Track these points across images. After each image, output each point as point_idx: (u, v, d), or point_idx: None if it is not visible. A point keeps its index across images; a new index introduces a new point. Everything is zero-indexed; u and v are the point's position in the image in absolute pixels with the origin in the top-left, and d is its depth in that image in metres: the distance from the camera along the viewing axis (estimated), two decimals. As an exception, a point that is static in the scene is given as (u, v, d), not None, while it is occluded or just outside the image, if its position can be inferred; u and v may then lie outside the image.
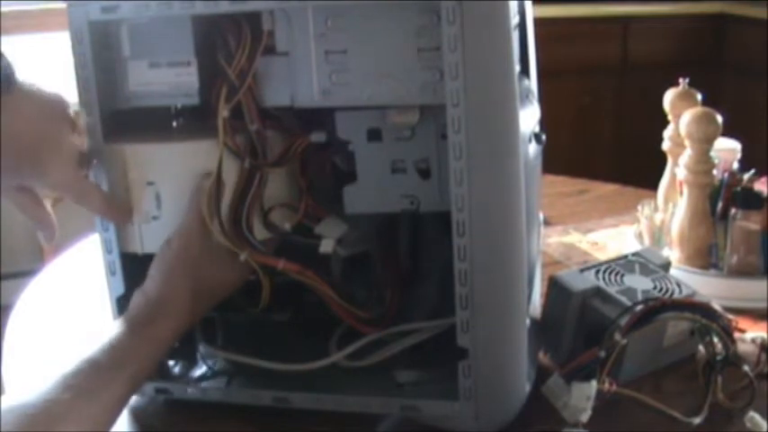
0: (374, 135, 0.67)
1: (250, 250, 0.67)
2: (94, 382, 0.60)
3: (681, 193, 0.97)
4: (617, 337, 0.67)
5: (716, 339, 0.71)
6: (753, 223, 0.90)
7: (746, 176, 0.93)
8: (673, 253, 0.96)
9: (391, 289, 0.71)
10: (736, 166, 1.01)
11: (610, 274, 0.76)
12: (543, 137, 0.73)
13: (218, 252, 0.68)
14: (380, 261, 0.73)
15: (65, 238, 0.91)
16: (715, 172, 0.94)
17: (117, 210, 0.69)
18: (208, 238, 0.67)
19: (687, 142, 0.93)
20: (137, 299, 0.68)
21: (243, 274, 0.70)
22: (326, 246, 0.69)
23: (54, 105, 0.66)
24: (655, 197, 1.08)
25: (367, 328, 0.70)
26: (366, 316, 0.70)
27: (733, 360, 0.71)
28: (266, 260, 0.68)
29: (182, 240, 0.68)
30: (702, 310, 0.71)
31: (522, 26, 0.73)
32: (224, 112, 0.65)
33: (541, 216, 0.92)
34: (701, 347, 0.73)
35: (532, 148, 0.70)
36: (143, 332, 0.65)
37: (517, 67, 0.64)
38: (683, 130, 0.93)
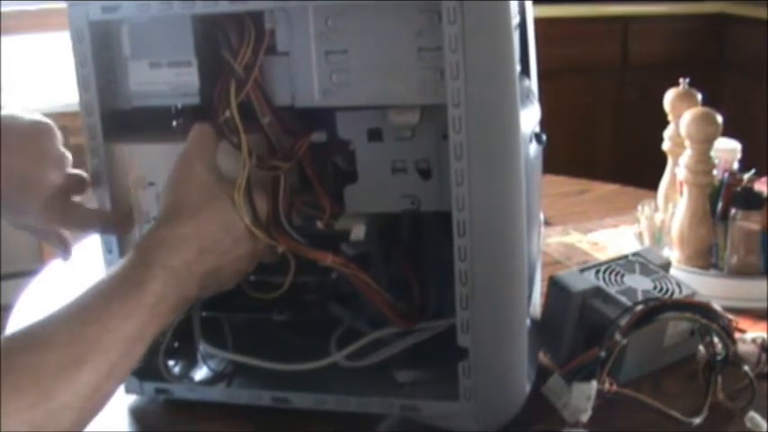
0: (375, 135, 0.67)
1: (292, 242, 0.67)
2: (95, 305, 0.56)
3: (681, 193, 0.97)
4: (617, 337, 0.67)
5: (716, 339, 0.71)
6: (753, 223, 0.90)
7: (746, 176, 0.93)
8: (673, 253, 0.96)
9: (418, 284, 0.72)
10: (736, 166, 1.01)
11: (610, 274, 0.76)
12: (543, 137, 0.73)
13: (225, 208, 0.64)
14: (384, 259, 0.73)
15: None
16: (715, 172, 0.94)
17: (118, 224, 0.69)
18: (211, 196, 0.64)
19: (687, 142, 0.93)
20: None
21: (257, 249, 0.67)
22: (358, 232, 0.68)
23: (30, 141, 0.65)
24: (655, 197, 1.08)
25: (402, 322, 0.70)
26: (405, 308, 0.71)
27: (733, 360, 0.71)
28: (314, 255, 0.67)
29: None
30: (702, 310, 0.71)
31: (522, 26, 0.73)
32: (234, 105, 0.65)
33: (541, 216, 0.92)
34: (701, 347, 0.73)
35: (532, 148, 0.70)
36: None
37: (517, 67, 0.64)
38: (683, 130, 0.93)
